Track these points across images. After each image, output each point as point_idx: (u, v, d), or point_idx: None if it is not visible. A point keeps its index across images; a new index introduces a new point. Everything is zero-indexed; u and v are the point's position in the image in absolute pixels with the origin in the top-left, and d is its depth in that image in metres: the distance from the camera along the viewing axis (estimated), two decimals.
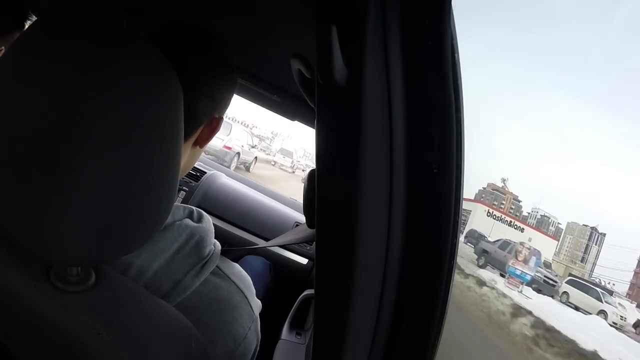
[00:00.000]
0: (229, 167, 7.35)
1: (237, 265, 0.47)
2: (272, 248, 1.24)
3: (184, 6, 0.64)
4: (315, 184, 0.35)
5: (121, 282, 0.34)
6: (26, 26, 0.72)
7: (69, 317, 0.31)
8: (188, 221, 0.41)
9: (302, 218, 1.34)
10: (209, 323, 0.38)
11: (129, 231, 0.31)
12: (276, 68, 0.80)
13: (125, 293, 0.34)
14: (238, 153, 8.44)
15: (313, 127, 0.43)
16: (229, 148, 7.97)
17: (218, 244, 0.43)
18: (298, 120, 1.03)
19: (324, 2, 0.31)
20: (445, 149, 0.34)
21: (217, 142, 7.52)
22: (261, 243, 1.24)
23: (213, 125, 0.46)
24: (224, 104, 0.47)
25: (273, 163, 17.80)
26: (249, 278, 0.47)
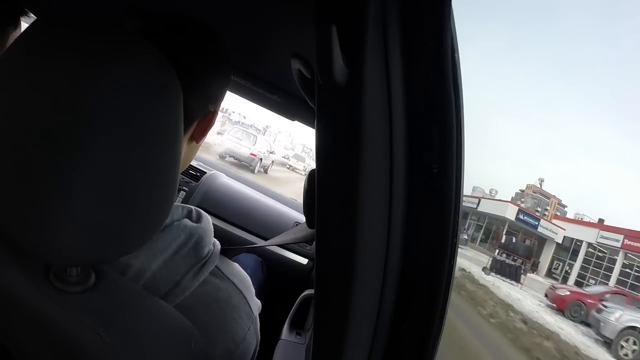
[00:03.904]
0: (254, 170, 10.42)
1: (236, 264, 0.47)
2: (272, 248, 1.24)
3: (184, 6, 0.64)
4: (315, 183, 0.35)
5: (121, 282, 0.34)
6: (22, 24, 0.72)
7: (68, 318, 0.31)
8: (187, 221, 0.41)
9: (302, 218, 1.34)
10: (208, 323, 0.38)
11: (128, 231, 0.31)
12: (276, 68, 0.80)
13: (125, 293, 0.34)
14: (261, 159, 10.94)
15: (313, 127, 0.43)
16: (255, 155, 10.52)
17: (218, 243, 0.43)
18: (298, 120, 1.04)
19: (324, 2, 0.31)
20: (445, 149, 0.34)
21: (245, 150, 10.48)
22: (260, 242, 1.25)
23: (208, 119, 0.46)
24: (218, 98, 0.47)
25: (288, 166, 19.94)
26: (248, 278, 0.47)
